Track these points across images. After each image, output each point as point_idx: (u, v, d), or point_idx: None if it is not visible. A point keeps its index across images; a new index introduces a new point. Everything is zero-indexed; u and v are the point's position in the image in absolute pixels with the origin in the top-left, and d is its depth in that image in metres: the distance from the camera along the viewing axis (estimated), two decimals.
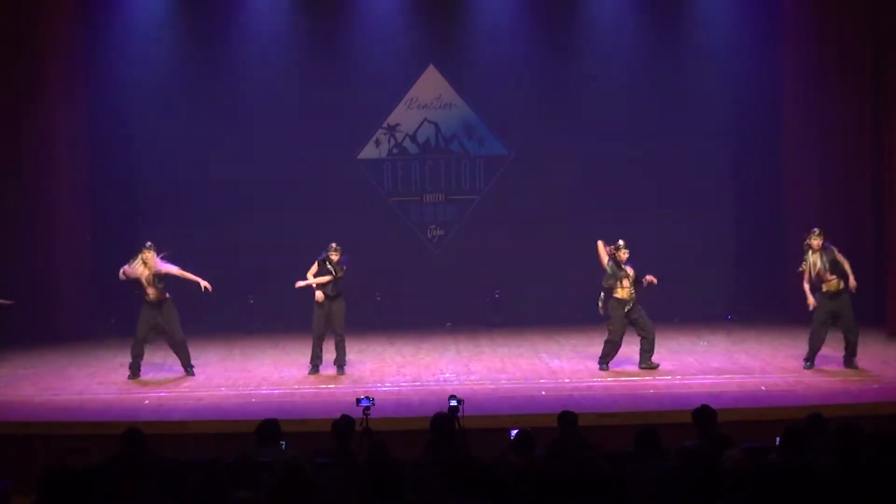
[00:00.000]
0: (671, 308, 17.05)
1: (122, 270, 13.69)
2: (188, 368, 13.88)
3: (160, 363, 14.49)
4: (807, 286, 13.29)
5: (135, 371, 13.72)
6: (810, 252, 13.23)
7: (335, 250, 13.87)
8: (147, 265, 13.60)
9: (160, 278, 13.67)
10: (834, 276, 13.18)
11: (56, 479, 6.40)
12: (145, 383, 13.43)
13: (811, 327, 13.41)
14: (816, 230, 13.31)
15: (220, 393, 12.81)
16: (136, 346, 13.74)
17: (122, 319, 17.64)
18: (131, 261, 13.67)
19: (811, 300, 13.28)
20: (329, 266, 13.83)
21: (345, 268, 13.89)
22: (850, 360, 13.33)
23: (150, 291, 13.66)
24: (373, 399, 9.25)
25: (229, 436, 10.49)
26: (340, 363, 13.88)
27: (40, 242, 17.03)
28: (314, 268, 13.92)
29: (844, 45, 16.93)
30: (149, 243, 13.72)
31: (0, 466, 10.08)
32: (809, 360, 13.41)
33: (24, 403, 12.33)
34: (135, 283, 13.69)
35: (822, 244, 13.19)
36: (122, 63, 18.04)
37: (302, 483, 6.35)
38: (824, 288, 13.26)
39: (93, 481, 6.54)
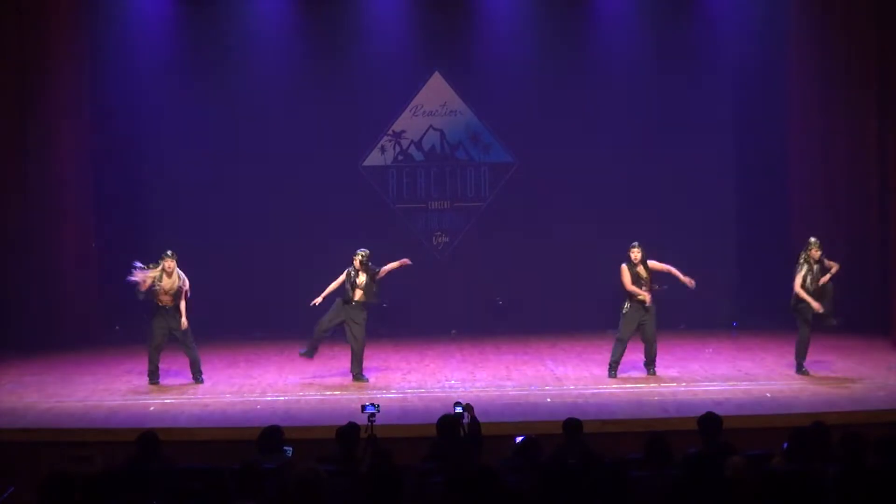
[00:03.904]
0: (677, 315, 17.03)
1: (139, 278, 13.51)
2: (198, 376, 13.87)
3: (165, 369, 14.46)
4: (804, 294, 13.31)
5: (154, 378, 13.70)
6: (810, 262, 13.24)
7: (361, 255, 13.63)
8: (171, 276, 13.54)
9: (178, 292, 13.65)
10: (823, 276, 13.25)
11: (57, 487, 6.40)
12: (150, 390, 13.43)
13: (798, 334, 13.48)
14: (815, 240, 13.33)
15: (226, 399, 12.82)
16: (152, 353, 13.69)
17: (127, 327, 17.72)
18: (152, 268, 13.56)
19: (817, 304, 13.25)
20: (353, 276, 13.68)
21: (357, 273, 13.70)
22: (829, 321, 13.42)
23: (165, 298, 13.63)
24: (378, 406, 9.26)
25: (235, 442, 10.49)
26: (355, 371, 13.86)
27: (45, 249, 17.04)
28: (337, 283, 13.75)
29: (850, 50, 16.92)
30: (170, 251, 13.64)
31: (4, 473, 10.09)
32: (800, 365, 13.48)
33: (29, 410, 12.34)
34: (148, 290, 13.64)
35: (821, 255, 13.24)
36: (126, 71, 18.07)
37: (315, 496, 6.35)
38: (814, 286, 13.30)
39: (95, 489, 6.54)
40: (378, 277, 13.73)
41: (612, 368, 13.73)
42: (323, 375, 14.14)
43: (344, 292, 13.71)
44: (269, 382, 13.88)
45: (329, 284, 13.75)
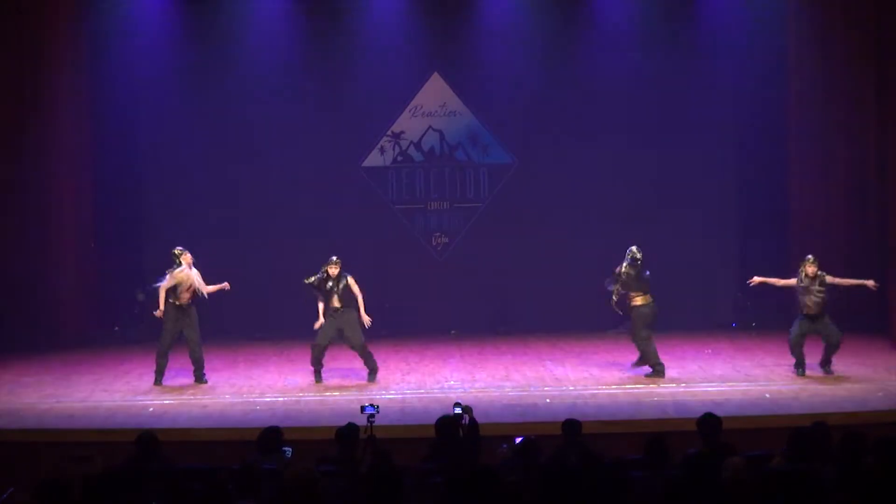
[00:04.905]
0: (675, 316, 17.04)
1: (164, 287, 13.59)
2: (202, 378, 13.87)
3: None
4: (774, 281, 13.65)
5: (159, 378, 13.72)
6: (803, 277, 13.36)
7: (335, 264, 13.73)
8: (191, 269, 13.57)
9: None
10: (819, 297, 13.28)
11: (52, 492, 6.39)
12: (150, 390, 13.43)
13: (791, 340, 13.55)
14: (811, 258, 13.43)
15: (225, 400, 12.82)
16: (161, 354, 13.70)
17: (125, 327, 17.73)
18: (173, 271, 13.55)
19: (757, 280, 13.78)
20: (325, 282, 13.71)
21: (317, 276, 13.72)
22: (826, 365, 13.47)
23: (186, 296, 13.64)
24: (377, 406, 9.26)
25: (234, 443, 10.49)
26: (372, 370, 13.86)
27: (44, 249, 17.04)
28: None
29: (850, 50, 16.93)
30: (179, 248, 13.67)
31: (4, 474, 10.09)
32: (799, 366, 13.54)
33: (27, 411, 12.34)
34: (171, 289, 13.64)
35: (816, 272, 13.29)
36: (126, 71, 18.07)
37: (311, 496, 6.35)
38: (805, 311, 13.41)
39: (95, 489, 6.54)
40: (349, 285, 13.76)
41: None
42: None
43: (325, 302, 13.74)
44: (268, 383, 13.88)
45: (316, 302, 13.79)
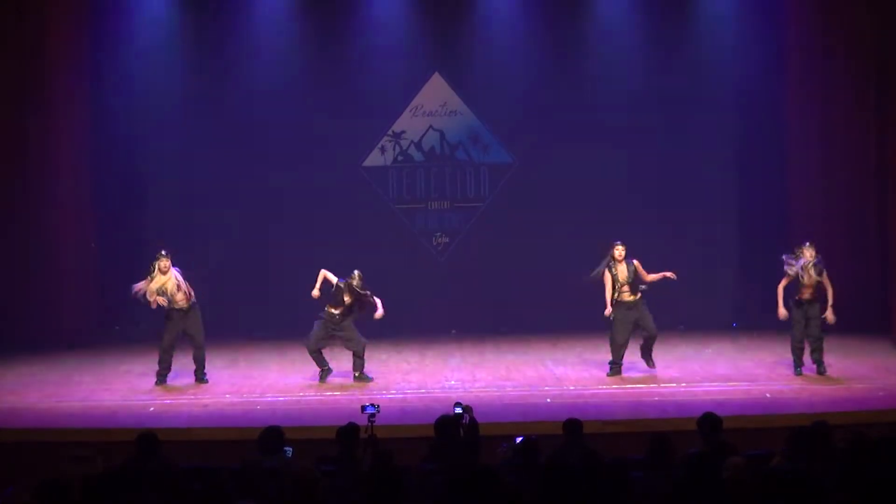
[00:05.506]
0: (676, 315, 17.05)
1: (141, 291, 13.58)
2: (202, 377, 13.86)
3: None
4: (780, 288, 13.53)
5: (162, 379, 13.71)
6: (801, 261, 13.33)
7: (358, 281, 13.62)
8: (165, 274, 13.53)
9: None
10: (811, 288, 13.28)
11: (52, 492, 6.40)
12: (151, 390, 13.43)
13: (792, 335, 13.51)
14: (808, 243, 13.40)
15: (226, 400, 12.82)
16: (162, 355, 13.69)
17: (126, 326, 17.73)
18: (151, 276, 13.56)
19: (783, 311, 13.48)
20: (345, 293, 13.64)
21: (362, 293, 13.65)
22: (820, 368, 13.41)
23: (180, 297, 13.62)
24: (378, 406, 9.26)
25: (235, 442, 10.49)
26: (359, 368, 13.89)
27: (45, 249, 17.04)
28: (332, 277, 13.73)
29: (849, 51, 16.93)
30: (163, 251, 13.67)
31: (4, 474, 10.09)
32: (798, 366, 13.51)
33: (29, 410, 12.35)
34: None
35: (815, 257, 13.27)
36: (128, 71, 18.09)
37: (311, 496, 6.35)
38: (797, 295, 13.38)
39: (95, 489, 6.55)
40: (364, 300, 13.71)
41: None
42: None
43: (331, 298, 13.68)
44: (269, 383, 13.88)
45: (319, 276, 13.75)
